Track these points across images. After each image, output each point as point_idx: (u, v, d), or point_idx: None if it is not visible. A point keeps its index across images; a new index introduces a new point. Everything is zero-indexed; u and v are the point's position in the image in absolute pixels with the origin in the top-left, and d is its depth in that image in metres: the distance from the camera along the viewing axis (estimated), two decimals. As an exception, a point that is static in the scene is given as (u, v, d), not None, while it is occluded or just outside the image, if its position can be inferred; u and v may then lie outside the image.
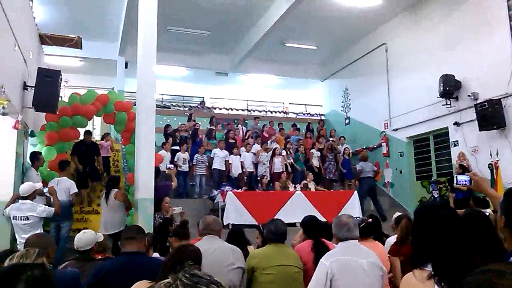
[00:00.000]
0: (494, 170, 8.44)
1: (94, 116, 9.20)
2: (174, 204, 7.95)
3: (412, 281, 1.92)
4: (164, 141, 11.21)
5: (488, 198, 2.53)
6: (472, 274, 0.69)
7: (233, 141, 12.40)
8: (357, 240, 3.33)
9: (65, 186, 7.30)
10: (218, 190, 10.14)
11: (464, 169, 9.22)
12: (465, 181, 2.56)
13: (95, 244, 3.92)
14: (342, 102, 15.56)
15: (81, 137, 9.49)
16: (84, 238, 3.80)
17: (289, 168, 11.79)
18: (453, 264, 1.85)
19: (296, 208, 9.12)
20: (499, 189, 7.96)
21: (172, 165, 8.75)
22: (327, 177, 12.07)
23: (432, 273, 1.90)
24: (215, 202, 10.05)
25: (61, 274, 3.04)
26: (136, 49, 7.57)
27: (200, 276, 0.67)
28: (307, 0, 10.63)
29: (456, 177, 2.61)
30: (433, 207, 2.12)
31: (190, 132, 12.40)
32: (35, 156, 7.63)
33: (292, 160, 12.03)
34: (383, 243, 4.89)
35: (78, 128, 8.84)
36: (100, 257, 4.28)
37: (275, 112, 17.76)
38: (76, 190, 7.51)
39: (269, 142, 12.58)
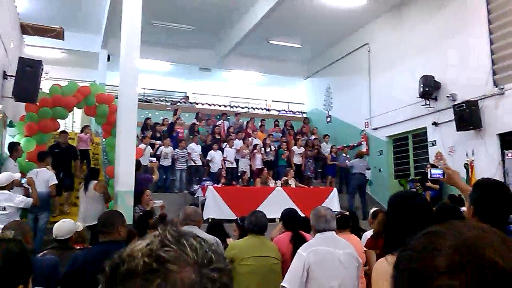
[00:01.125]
0: (470, 170, 8.65)
1: (75, 108, 9.11)
2: (154, 198, 7.94)
3: (385, 266, 1.99)
4: (143, 134, 11.17)
5: (459, 190, 2.63)
6: (416, 238, 0.73)
7: (219, 137, 12.41)
8: (334, 232, 3.41)
9: (44, 177, 7.22)
10: (198, 185, 10.16)
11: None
12: (439, 174, 2.65)
13: (74, 233, 3.92)
14: (324, 100, 15.70)
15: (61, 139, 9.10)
16: (63, 227, 3.79)
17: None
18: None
19: (276, 203, 9.16)
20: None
21: (154, 159, 8.72)
22: (305, 175, 12.22)
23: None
24: (195, 196, 10.08)
25: (40, 261, 3.04)
26: (119, 42, 7.53)
27: (185, 231, 0.73)
28: (291, -2, 10.71)
29: (430, 170, 2.70)
30: (405, 196, 2.20)
31: (167, 126, 12.38)
32: (13, 146, 7.52)
33: (272, 157, 12.13)
34: (360, 237, 5.00)
35: (59, 120, 8.74)
36: (79, 247, 4.27)
37: (258, 109, 17.80)
38: (56, 181, 7.42)
39: (250, 138, 12.64)
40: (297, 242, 3.88)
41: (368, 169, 11.60)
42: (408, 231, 2.02)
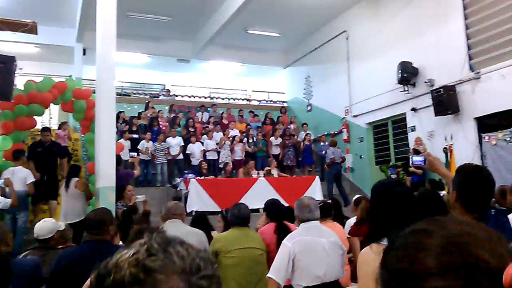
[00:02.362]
0: (449, 154, 8.79)
1: (52, 104, 8.90)
2: (136, 192, 7.87)
3: (370, 254, 2.01)
4: (123, 129, 11.07)
5: (441, 176, 2.66)
6: (402, 236, 0.72)
7: (193, 129, 12.33)
8: (318, 221, 3.43)
9: (21, 176, 7.08)
10: (180, 178, 10.11)
11: (417, 154, 9.54)
12: (420, 161, 2.67)
13: (56, 232, 3.86)
14: (304, 89, 15.73)
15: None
16: (45, 226, 3.73)
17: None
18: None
19: (259, 194, 9.20)
20: (453, 173, 8.31)
21: (135, 153, 8.61)
22: (285, 164, 12.27)
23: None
24: (178, 189, 10.03)
25: (20, 263, 2.98)
26: (95, 35, 7.38)
27: (172, 237, 0.71)
28: (268, -14, 10.64)
29: (412, 157, 2.72)
30: (389, 184, 2.22)
31: (148, 120, 12.27)
32: (-12, 145, 7.35)
33: (252, 147, 12.14)
34: (344, 225, 5.04)
35: (35, 117, 8.54)
36: (61, 247, 4.20)
37: (238, 100, 17.75)
38: (33, 179, 7.28)
39: (230, 129, 12.62)
40: (282, 232, 3.90)
41: (343, 158, 11.61)
42: (392, 220, 2.04)
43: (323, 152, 11.79)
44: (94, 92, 7.66)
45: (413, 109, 10.34)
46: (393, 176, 10.13)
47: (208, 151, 11.58)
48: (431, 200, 2.97)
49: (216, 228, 5.31)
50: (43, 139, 8.27)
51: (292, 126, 13.87)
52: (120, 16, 7.87)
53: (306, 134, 12.88)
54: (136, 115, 12.33)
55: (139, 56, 15.84)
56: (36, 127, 9.00)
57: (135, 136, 11.22)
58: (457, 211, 2.07)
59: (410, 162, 2.69)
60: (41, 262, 3.31)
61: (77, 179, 7.13)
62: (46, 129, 8.55)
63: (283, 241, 3.29)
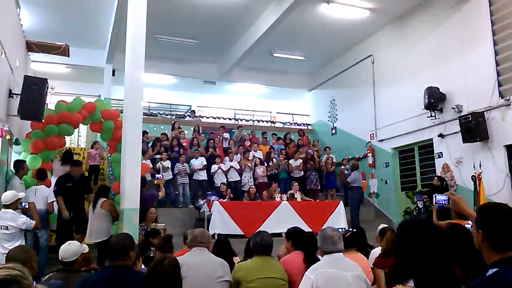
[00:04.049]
0: (477, 182, 8.56)
1: (80, 124, 9.11)
2: (159, 213, 7.92)
3: (395, 297, 1.96)
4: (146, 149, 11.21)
5: (467, 217, 2.58)
6: None
7: (214, 150, 12.37)
8: (341, 253, 3.36)
9: (43, 195, 7.27)
10: (204, 200, 10.12)
11: (442, 181, 9.32)
12: (444, 200, 2.60)
13: (80, 255, 3.89)
14: (329, 112, 15.68)
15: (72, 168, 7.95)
16: (70, 249, 3.76)
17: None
18: (434, 280, 1.90)
19: (282, 218, 9.14)
20: (482, 201, 8.08)
21: (160, 175, 8.67)
22: (308, 187, 12.14)
23: (414, 288, 1.94)
24: (201, 211, 10.03)
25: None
26: (124, 57, 7.56)
27: None
28: (295, 11, 10.74)
29: (435, 196, 2.65)
30: (415, 224, 2.16)
31: (171, 141, 12.39)
32: (19, 164, 7.51)
33: (274, 170, 12.09)
34: (368, 254, 4.93)
35: (65, 136, 8.75)
36: (84, 269, 4.23)
37: (263, 122, 17.82)
38: (54, 199, 7.44)
39: (251, 152, 12.60)
40: (311, 263, 3.82)
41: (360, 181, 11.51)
42: (418, 260, 1.99)
43: (347, 175, 11.64)
44: (122, 112, 7.80)
45: (440, 135, 10.15)
46: (419, 203, 9.91)
47: (227, 170, 11.56)
48: (458, 236, 2.89)
49: (239, 254, 5.28)
50: (72, 174, 7.94)
51: (313, 149, 13.72)
52: (149, 38, 8.05)
53: (328, 158, 12.75)
54: (160, 136, 12.49)
55: (166, 77, 16.15)
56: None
57: (157, 156, 11.35)
58: (485, 252, 2.00)
59: (434, 201, 2.62)
60: (64, 286, 3.34)
61: (104, 199, 7.21)
62: (77, 163, 8.25)
63: (305, 273, 3.24)
